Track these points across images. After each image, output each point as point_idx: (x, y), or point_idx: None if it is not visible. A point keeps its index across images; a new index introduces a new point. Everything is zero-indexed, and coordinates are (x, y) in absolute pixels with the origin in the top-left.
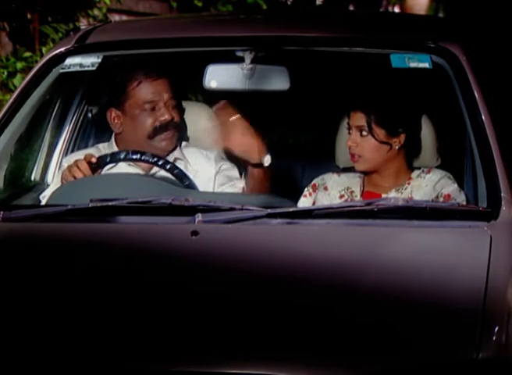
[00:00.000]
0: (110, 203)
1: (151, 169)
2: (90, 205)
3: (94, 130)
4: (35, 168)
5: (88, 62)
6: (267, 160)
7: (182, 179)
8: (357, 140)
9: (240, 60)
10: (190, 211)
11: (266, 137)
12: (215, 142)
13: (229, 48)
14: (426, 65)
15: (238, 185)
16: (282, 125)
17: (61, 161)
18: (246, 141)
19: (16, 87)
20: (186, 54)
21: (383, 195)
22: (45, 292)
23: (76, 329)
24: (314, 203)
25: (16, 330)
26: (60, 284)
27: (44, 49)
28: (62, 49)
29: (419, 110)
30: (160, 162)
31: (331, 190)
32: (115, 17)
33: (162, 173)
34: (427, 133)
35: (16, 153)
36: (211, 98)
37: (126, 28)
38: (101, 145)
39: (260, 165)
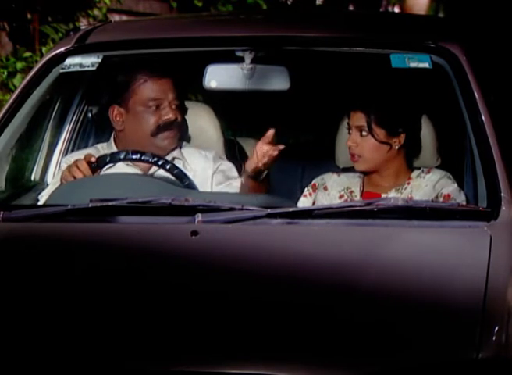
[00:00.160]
0: (110, 203)
1: (149, 169)
2: (90, 205)
3: (93, 130)
4: (35, 168)
5: (88, 62)
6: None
7: (182, 179)
8: (357, 140)
9: (240, 60)
10: (190, 211)
11: None
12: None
13: (229, 48)
14: (426, 65)
15: (235, 184)
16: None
17: (61, 161)
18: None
19: (16, 87)
20: (186, 54)
21: (383, 195)
22: (45, 292)
23: (76, 329)
24: (314, 203)
25: (17, 330)
26: (60, 284)
27: (44, 49)
28: (62, 49)
29: (419, 110)
30: (160, 162)
31: (331, 190)
32: (115, 17)
33: (161, 172)
34: (427, 133)
35: (16, 153)
36: (211, 98)
37: (126, 28)
38: (99, 145)
39: (256, 178)
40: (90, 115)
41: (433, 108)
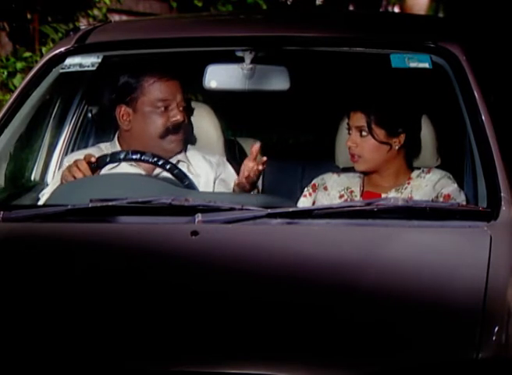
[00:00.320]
0: (110, 203)
1: (153, 169)
2: (90, 205)
3: (94, 130)
4: (35, 168)
5: (88, 62)
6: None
7: (182, 179)
8: (357, 140)
9: (240, 60)
10: (190, 211)
11: (266, 137)
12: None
13: (229, 48)
14: (426, 65)
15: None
16: (282, 125)
17: (61, 161)
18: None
19: (16, 87)
20: (186, 54)
21: (383, 195)
22: (45, 292)
23: (77, 329)
24: (314, 203)
25: (17, 330)
26: (60, 284)
27: (44, 49)
28: (62, 49)
29: (419, 110)
30: (160, 162)
31: (331, 190)
32: (115, 17)
33: (164, 173)
34: (427, 133)
35: (16, 153)
36: (211, 98)
37: (126, 28)
38: (102, 145)
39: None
40: (90, 115)
41: (433, 108)
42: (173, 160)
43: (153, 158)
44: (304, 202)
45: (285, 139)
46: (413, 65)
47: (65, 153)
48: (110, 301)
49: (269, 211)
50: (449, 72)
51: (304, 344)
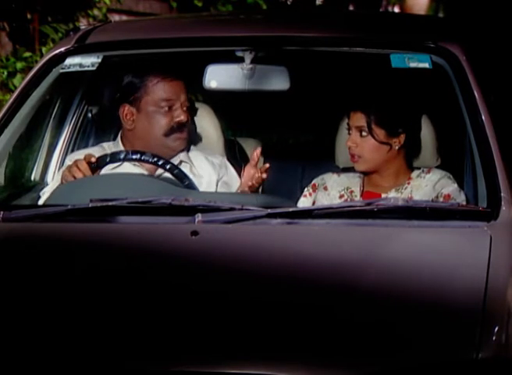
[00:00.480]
0: (110, 203)
1: (155, 169)
2: (90, 205)
3: (94, 130)
4: (35, 168)
5: (88, 62)
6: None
7: (182, 179)
8: (357, 140)
9: (240, 60)
10: (190, 211)
11: (266, 137)
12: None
13: (229, 48)
14: (426, 65)
15: None
16: (282, 125)
17: (61, 161)
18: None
19: (16, 87)
20: (186, 54)
21: (383, 195)
22: (45, 292)
23: (76, 329)
24: (314, 203)
25: (17, 330)
26: (60, 284)
27: (44, 49)
28: (62, 49)
29: (419, 110)
30: (160, 162)
31: (331, 190)
32: (115, 17)
33: (165, 173)
34: (427, 133)
35: (16, 153)
36: (211, 98)
37: (126, 28)
38: (105, 144)
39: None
40: (90, 115)
41: (433, 108)
42: (175, 160)
43: (153, 158)
44: (303, 202)
45: (285, 139)
46: (413, 65)
47: (65, 153)
48: (110, 301)
49: (269, 211)
50: (449, 72)
51: (304, 344)
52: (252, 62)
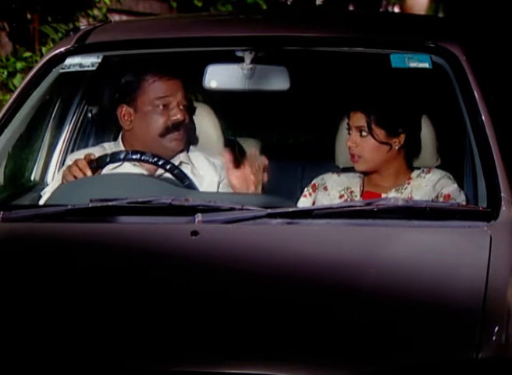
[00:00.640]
0: (110, 203)
1: (156, 169)
2: (90, 205)
3: (94, 130)
4: (35, 168)
5: (88, 62)
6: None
7: (182, 179)
8: (357, 140)
9: (240, 60)
10: (190, 211)
11: (266, 137)
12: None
13: (229, 48)
14: (426, 65)
15: None
16: (282, 125)
17: (62, 160)
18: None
19: (16, 87)
20: (186, 54)
21: (383, 195)
22: (45, 292)
23: (76, 329)
24: (314, 203)
25: (17, 329)
26: (60, 284)
27: (44, 49)
28: (62, 49)
29: (419, 110)
30: (160, 162)
31: (331, 190)
32: (115, 17)
33: (165, 173)
34: (427, 133)
35: (16, 153)
36: (211, 98)
37: (126, 28)
38: (106, 144)
39: None
40: (90, 115)
41: (433, 108)
42: (176, 161)
43: (153, 158)
44: (304, 202)
45: (285, 139)
46: (413, 65)
47: (65, 153)
48: (110, 301)
49: (269, 211)
50: (449, 72)
51: (304, 344)
52: (252, 62)
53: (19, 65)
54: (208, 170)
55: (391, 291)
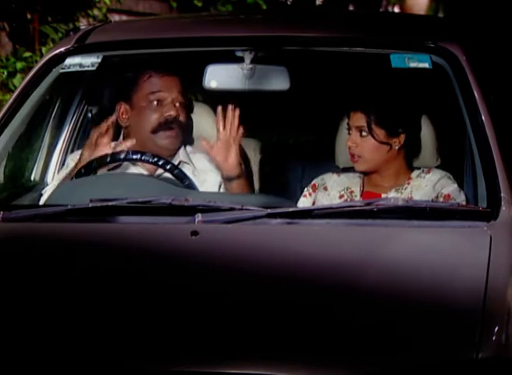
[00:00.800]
0: (110, 203)
1: (156, 169)
2: (90, 205)
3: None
4: (35, 168)
5: (88, 62)
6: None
7: (182, 179)
8: (357, 140)
9: (240, 60)
10: (190, 211)
11: (266, 137)
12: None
13: (229, 48)
14: (426, 65)
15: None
16: (282, 125)
17: (62, 160)
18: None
19: (16, 87)
20: (186, 54)
21: (383, 195)
22: (45, 292)
23: (76, 329)
24: (314, 203)
25: (16, 329)
26: (60, 284)
27: (44, 49)
28: (62, 49)
29: (419, 110)
30: (160, 162)
31: (331, 190)
32: (115, 17)
33: (165, 173)
34: (427, 133)
35: (16, 153)
36: (211, 98)
37: (126, 28)
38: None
39: (230, 178)
40: (90, 115)
41: (433, 108)
42: (175, 161)
43: (153, 158)
44: (304, 202)
45: (285, 139)
46: (413, 65)
47: (65, 153)
48: (110, 301)
49: (269, 211)
50: (449, 72)
51: (304, 344)
52: (252, 62)
53: (19, 65)
54: (208, 170)
55: (391, 291)
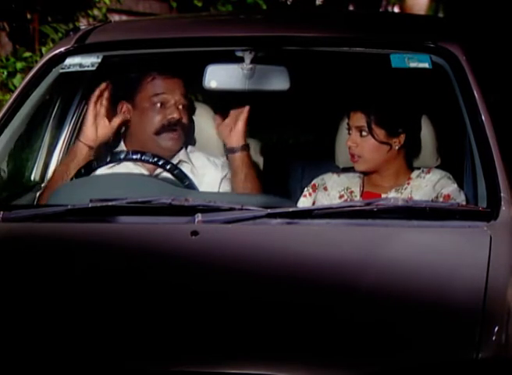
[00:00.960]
0: (110, 203)
1: (155, 169)
2: (90, 205)
3: None
4: (35, 168)
5: (88, 62)
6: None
7: (182, 179)
8: (357, 140)
9: (240, 60)
10: (190, 211)
11: (266, 137)
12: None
13: (229, 48)
14: (426, 65)
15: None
16: (282, 125)
17: (62, 160)
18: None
19: (16, 87)
20: (186, 54)
21: (383, 195)
22: (45, 292)
23: (76, 329)
24: (313, 203)
25: (16, 330)
26: (60, 284)
27: (44, 49)
28: (62, 49)
29: (419, 110)
30: (160, 162)
31: (331, 190)
32: (115, 17)
33: (165, 173)
34: (427, 133)
35: (16, 153)
36: (211, 98)
37: (126, 28)
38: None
39: (233, 150)
40: None
41: (433, 108)
42: (175, 160)
43: (153, 158)
44: (304, 202)
45: (285, 139)
46: (413, 65)
47: (66, 153)
48: (110, 301)
49: (269, 211)
50: (449, 72)
51: (304, 344)
52: (252, 62)
53: (19, 65)
54: (208, 169)
55: (391, 291)
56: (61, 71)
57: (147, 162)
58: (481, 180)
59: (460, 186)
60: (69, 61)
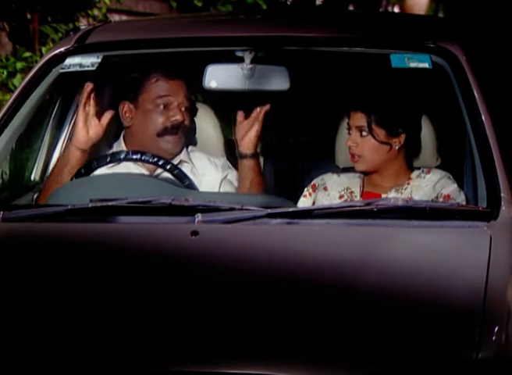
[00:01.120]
0: (110, 203)
1: (155, 169)
2: (90, 205)
3: None
4: (35, 168)
5: (88, 62)
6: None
7: (182, 179)
8: (357, 140)
9: (240, 60)
10: (190, 211)
11: (266, 137)
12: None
13: (229, 48)
14: (426, 65)
15: (230, 177)
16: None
17: None
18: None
19: (15, 87)
20: (186, 54)
21: (383, 195)
22: (45, 292)
23: (76, 329)
24: (313, 203)
25: (16, 330)
26: (60, 284)
27: (44, 49)
28: (62, 49)
29: (419, 110)
30: (160, 162)
31: (331, 190)
32: (115, 17)
33: (165, 173)
34: (427, 133)
35: (16, 153)
36: (211, 98)
37: (126, 28)
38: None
39: (244, 155)
40: None
41: (433, 108)
42: (175, 160)
43: (153, 158)
44: (304, 202)
45: (285, 139)
46: (413, 65)
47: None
48: (110, 301)
49: (269, 211)
50: (449, 72)
51: (304, 344)
52: (252, 62)
53: (19, 65)
54: (208, 169)
55: (391, 291)
56: (61, 71)
57: (147, 162)
58: (481, 180)
59: (460, 186)
60: (69, 61)
